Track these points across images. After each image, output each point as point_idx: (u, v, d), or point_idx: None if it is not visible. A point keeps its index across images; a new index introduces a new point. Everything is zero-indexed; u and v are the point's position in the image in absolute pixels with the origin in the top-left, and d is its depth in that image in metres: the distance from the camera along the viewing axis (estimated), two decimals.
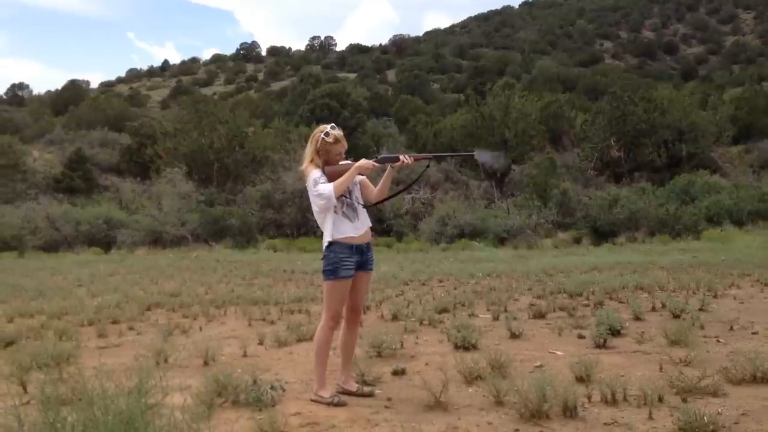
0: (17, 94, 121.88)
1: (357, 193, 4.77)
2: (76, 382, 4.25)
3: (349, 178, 4.55)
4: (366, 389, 4.90)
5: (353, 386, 4.92)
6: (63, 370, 5.50)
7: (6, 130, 60.04)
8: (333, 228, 4.60)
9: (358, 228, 4.66)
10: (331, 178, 4.56)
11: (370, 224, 4.82)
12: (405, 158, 4.59)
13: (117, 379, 2.93)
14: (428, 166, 5.06)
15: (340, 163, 4.70)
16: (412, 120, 59.92)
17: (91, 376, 3.03)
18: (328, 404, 4.56)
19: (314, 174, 4.58)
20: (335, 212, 4.60)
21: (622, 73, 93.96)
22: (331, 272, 4.60)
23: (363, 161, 4.58)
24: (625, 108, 42.96)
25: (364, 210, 4.76)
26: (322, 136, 4.63)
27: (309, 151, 4.68)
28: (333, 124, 4.75)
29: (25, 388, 4.97)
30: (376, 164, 4.59)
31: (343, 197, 4.63)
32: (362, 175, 4.71)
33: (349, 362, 5.00)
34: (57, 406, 2.75)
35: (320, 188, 4.50)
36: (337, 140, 4.64)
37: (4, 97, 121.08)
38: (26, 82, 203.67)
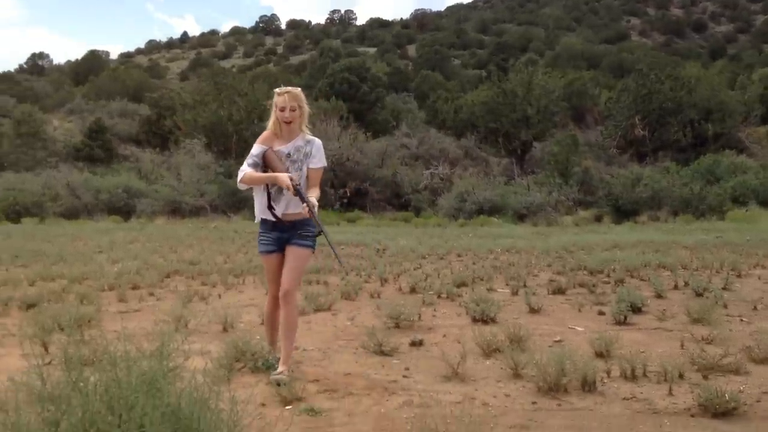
0: (37, 63, 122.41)
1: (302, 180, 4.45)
2: (97, 344, 4.28)
3: (260, 181, 4.35)
4: (273, 377, 4.31)
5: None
6: (85, 333, 5.54)
7: (27, 99, 60.48)
8: (258, 206, 4.52)
9: (280, 210, 4.43)
10: (266, 161, 4.39)
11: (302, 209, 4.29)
12: (305, 209, 4.18)
13: (138, 342, 2.93)
14: (320, 233, 4.45)
15: (286, 146, 4.43)
16: (433, 96, 59.52)
17: (112, 338, 3.04)
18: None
19: (254, 147, 4.45)
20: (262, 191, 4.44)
21: (648, 50, 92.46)
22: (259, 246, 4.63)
23: (284, 177, 4.20)
24: (652, 86, 42.36)
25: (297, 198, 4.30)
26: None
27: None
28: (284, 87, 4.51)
29: (46, 349, 5.02)
30: (290, 188, 4.19)
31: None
32: (269, 185, 4.39)
33: (282, 346, 4.52)
34: (79, 367, 2.76)
35: (242, 167, 4.40)
36: (278, 96, 4.41)
37: (25, 66, 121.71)
38: (46, 51, 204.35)
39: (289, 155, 4.42)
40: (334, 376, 4.56)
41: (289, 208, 4.39)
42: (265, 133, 4.50)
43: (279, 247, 4.51)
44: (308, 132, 4.53)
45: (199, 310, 6.94)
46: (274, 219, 4.45)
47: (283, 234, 4.48)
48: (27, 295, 7.48)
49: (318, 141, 4.56)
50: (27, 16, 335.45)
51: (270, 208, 4.42)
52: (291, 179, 4.19)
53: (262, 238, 4.55)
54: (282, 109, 4.38)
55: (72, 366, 2.80)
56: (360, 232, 20.43)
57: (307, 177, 4.48)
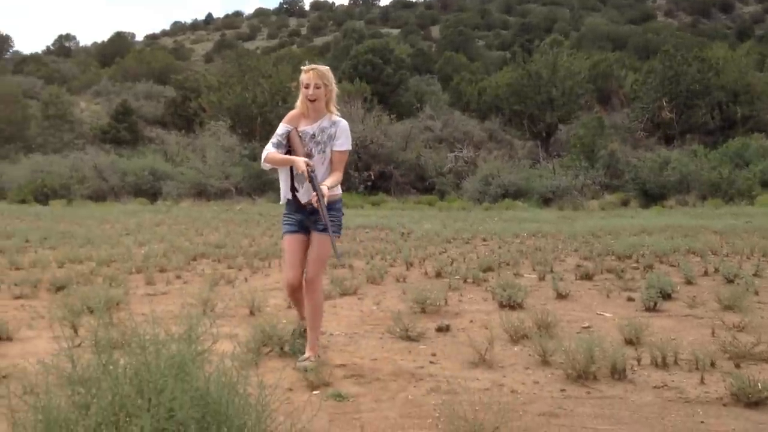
0: (64, 45, 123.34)
1: (321, 168, 4.33)
2: (126, 326, 4.31)
3: (280, 162, 4.25)
4: (300, 364, 4.30)
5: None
6: (113, 316, 5.59)
7: (54, 80, 61.17)
8: (283, 187, 4.42)
9: (304, 195, 4.31)
10: (289, 142, 4.30)
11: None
12: (313, 199, 4.08)
13: (166, 326, 2.94)
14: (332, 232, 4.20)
15: (311, 126, 4.33)
16: (456, 78, 59.08)
17: (141, 321, 3.05)
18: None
19: (279, 126, 4.37)
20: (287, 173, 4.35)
21: (674, 31, 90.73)
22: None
23: (300, 162, 4.08)
24: (678, 68, 41.66)
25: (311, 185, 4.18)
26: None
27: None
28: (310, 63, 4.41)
29: (76, 331, 5.07)
30: (305, 174, 4.07)
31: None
32: (293, 167, 4.23)
33: (309, 333, 4.49)
34: (109, 350, 2.77)
35: (267, 146, 4.32)
36: (304, 73, 4.31)
37: (52, 48, 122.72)
38: (73, 33, 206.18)
39: (313, 136, 4.32)
40: (361, 362, 4.56)
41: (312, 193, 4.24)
42: (292, 112, 4.41)
43: (302, 229, 4.42)
44: (337, 113, 4.42)
45: (226, 293, 6.97)
46: (296, 200, 4.37)
47: (309, 217, 4.38)
48: (56, 277, 7.57)
49: (344, 122, 4.42)
50: None
51: (293, 189, 4.35)
52: (307, 164, 4.08)
53: (286, 219, 4.47)
54: (306, 86, 4.28)
55: (102, 349, 2.81)
56: (384, 215, 20.41)
57: (331, 159, 4.38)
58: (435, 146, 35.82)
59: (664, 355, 4.40)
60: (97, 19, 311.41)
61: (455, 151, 33.94)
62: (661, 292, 6.50)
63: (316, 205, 4.08)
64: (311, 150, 4.29)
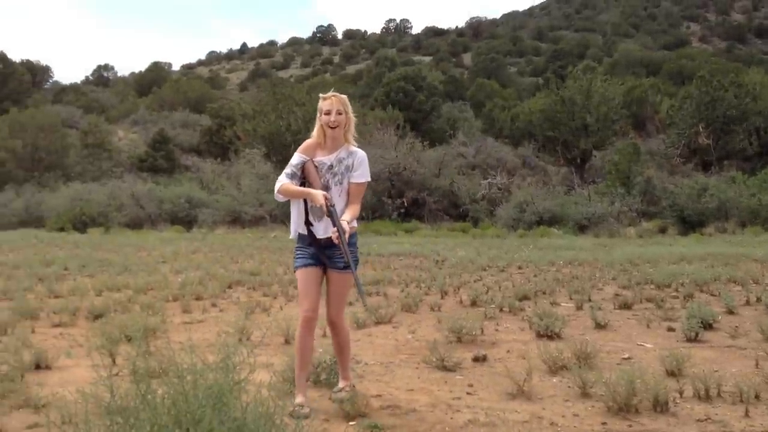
0: (103, 75, 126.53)
1: (338, 201, 4.13)
2: (164, 355, 4.33)
3: (296, 195, 4.07)
4: (335, 395, 4.23)
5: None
6: (151, 344, 5.63)
7: (93, 110, 62.66)
8: (295, 220, 4.23)
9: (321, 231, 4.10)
10: (305, 173, 4.11)
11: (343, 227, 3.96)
12: (334, 235, 3.85)
13: (203, 355, 2.94)
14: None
15: (328, 157, 4.14)
16: (489, 104, 59.17)
17: (178, 350, 3.06)
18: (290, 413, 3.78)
19: (294, 157, 4.17)
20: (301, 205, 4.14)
21: (709, 57, 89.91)
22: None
23: (318, 195, 3.91)
24: (715, 93, 41.16)
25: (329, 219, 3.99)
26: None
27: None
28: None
29: (114, 360, 5.11)
30: (324, 208, 3.90)
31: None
32: (309, 200, 4.05)
33: (340, 365, 4.40)
34: (147, 379, 2.78)
35: (280, 177, 4.14)
36: (323, 100, 4.14)
37: (91, 78, 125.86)
38: (111, 63, 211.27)
39: (331, 167, 4.12)
40: (397, 392, 4.51)
41: (329, 230, 3.97)
42: (307, 142, 4.22)
43: (318, 262, 4.13)
44: (354, 143, 4.23)
45: (262, 321, 6.98)
46: (310, 235, 4.11)
47: (324, 251, 4.10)
48: (94, 306, 7.66)
49: (362, 153, 4.20)
50: (94, 28, 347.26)
51: (307, 223, 4.10)
52: (326, 198, 3.91)
53: (299, 252, 4.17)
54: (327, 113, 4.09)
55: (140, 378, 2.82)
56: (418, 242, 20.36)
57: (348, 191, 4.18)
58: (468, 173, 35.74)
59: (707, 387, 4.29)
60: (134, 50, 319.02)
61: (488, 177, 33.80)
62: (702, 322, 6.36)
63: (336, 241, 3.85)
64: (328, 182, 4.11)
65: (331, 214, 3.90)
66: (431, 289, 9.77)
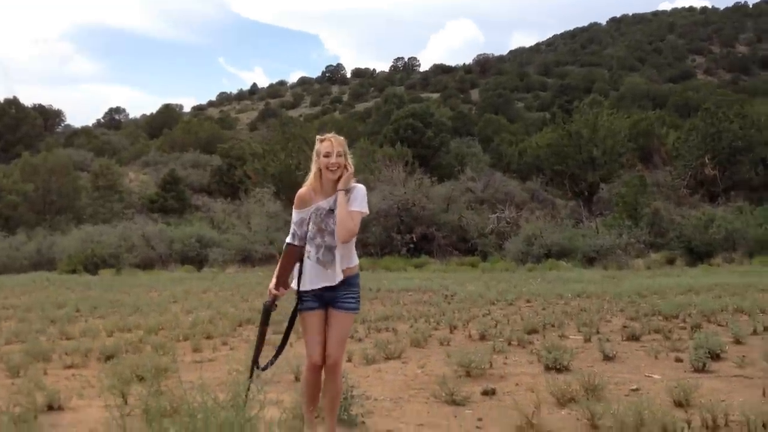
0: (114, 117, 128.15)
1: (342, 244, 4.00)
2: (175, 394, 4.38)
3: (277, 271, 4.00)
4: None
5: None
6: (162, 383, 5.68)
7: (104, 152, 63.36)
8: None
9: (328, 276, 4.00)
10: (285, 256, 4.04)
11: (351, 264, 4.08)
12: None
13: (214, 393, 3.01)
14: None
15: (327, 200, 4.00)
16: (497, 139, 59.52)
17: (189, 389, 3.12)
18: None
19: (293, 214, 4.10)
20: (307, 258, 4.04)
21: (715, 89, 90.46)
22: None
23: (270, 288, 4.02)
24: (720, 125, 41.38)
25: (339, 254, 3.99)
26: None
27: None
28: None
29: (126, 400, 5.16)
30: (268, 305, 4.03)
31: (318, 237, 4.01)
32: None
33: (327, 415, 4.19)
34: (159, 418, 2.85)
35: (287, 238, 4.11)
36: (321, 142, 4.01)
37: (102, 120, 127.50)
38: (123, 106, 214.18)
39: (331, 211, 3.97)
40: (407, 427, 4.55)
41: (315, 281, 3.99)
42: (301, 192, 4.04)
43: (321, 304, 4.06)
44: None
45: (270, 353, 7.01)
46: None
47: (327, 293, 4.03)
48: (105, 346, 7.72)
49: (361, 187, 4.06)
50: (104, 72, 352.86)
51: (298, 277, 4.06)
52: (272, 295, 3.99)
53: (304, 294, 4.07)
54: (327, 155, 3.94)
55: (152, 417, 2.89)
56: (427, 277, 20.36)
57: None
58: (477, 207, 35.79)
59: (715, 417, 4.32)
60: (145, 93, 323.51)
61: (497, 211, 33.85)
62: (709, 353, 6.38)
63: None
64: (328, 225, 3.98)
65: (268, 311, 4.03)
66: (440, 324, 9.79)
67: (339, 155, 3.96)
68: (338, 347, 4.06)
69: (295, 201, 4.06)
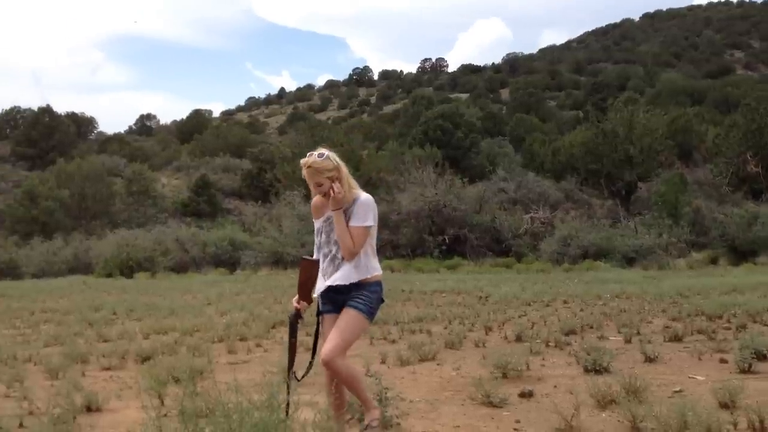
0: (146, 124, 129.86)
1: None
2: (210, 396, 4.36)
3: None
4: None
5: None
6: (198, 385, 5.67)
7: (137, 158, 64.27)
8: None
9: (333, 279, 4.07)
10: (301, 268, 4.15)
11: (368, 275, 4.08)
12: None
13: (249, 394, 2.98)
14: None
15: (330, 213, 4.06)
16: (528, 139, 58.99)
17: (224, 390, 3.10)
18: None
19: (315, 223, 4.26)
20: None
21: (755, 84, 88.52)
22: None
23: (294, 301, 4.15)
24: (761, 120, 40.42)
25: (349, 264, 4.04)
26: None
27: None
28: (322, 151, 4.01)
29: (162, 401, 5.16)
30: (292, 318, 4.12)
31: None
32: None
33: (357, 397, 4.22)
34: (195, 419, 2.81)
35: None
36: (308, 167, 3.96)
37: (134, 127, 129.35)
38: (154, 113, 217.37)
39: None
40: (443, 429, 4.47)
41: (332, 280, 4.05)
42: (314, 201, 4.17)
43: (335, 308, 4.10)
44: (358, 190, 4.06)
45: (306, 360, 6.98)
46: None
47: (338, 296, 4.07)
48: (142, 348, 7.76)
49: (364, 197, 4.01)
50: (136, 79, 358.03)
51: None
52: (298, 309, 4.08)
53: (323, 298, 4.18)
54: (316, 178, 3.97)
55: (188, 418, 2.86)
56: (461, 279, 20.24)
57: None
58: (510, 208, 35.51)
59: (762, 419, 4.17)
60: (175, 99, 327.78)
61: (531, 212, 33.55)
62: (755, 353, 6.17)
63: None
64: (334, 235, 4.06)
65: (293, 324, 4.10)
66: (475, 326, 9.68)
67: (318, 185, 3.95)
68: (330, 343, 3.97)
69: (312, 208, 4.22)
